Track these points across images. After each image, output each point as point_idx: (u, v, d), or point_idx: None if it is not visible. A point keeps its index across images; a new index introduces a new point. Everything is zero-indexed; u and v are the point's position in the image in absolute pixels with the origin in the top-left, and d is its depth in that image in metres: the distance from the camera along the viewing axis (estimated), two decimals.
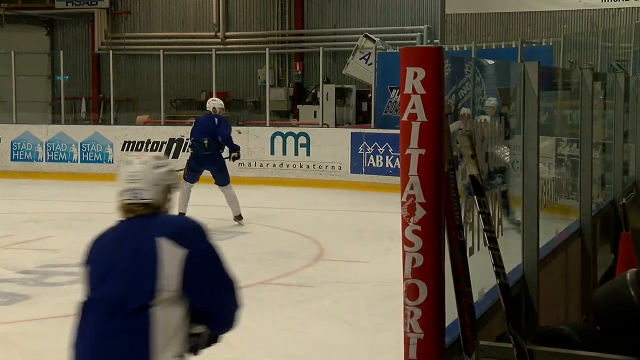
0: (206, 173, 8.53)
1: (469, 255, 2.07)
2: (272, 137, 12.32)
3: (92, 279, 2.39)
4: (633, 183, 5.50)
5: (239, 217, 8.46)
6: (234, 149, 8.44)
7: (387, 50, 13.01)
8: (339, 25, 16.46)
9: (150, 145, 12.69)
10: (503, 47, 12.71)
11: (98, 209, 9.83)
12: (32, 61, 16.48)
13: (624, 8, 13.78)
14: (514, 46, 11.90)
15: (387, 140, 11.42)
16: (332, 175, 11.96)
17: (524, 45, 11.27)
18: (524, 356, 2.08)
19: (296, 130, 12.43)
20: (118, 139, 12.85)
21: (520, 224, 2.85)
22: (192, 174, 8.42)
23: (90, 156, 12.99)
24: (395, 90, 12.01)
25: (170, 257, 2.23)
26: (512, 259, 2.74)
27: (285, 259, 6.83)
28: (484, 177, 2.22)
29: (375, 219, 8.97)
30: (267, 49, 13.18)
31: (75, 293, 6.11)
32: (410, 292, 1.80)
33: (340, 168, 11.91)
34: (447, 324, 1.86)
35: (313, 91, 15.28)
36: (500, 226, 2.56)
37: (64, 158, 13.06)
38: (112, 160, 12.85)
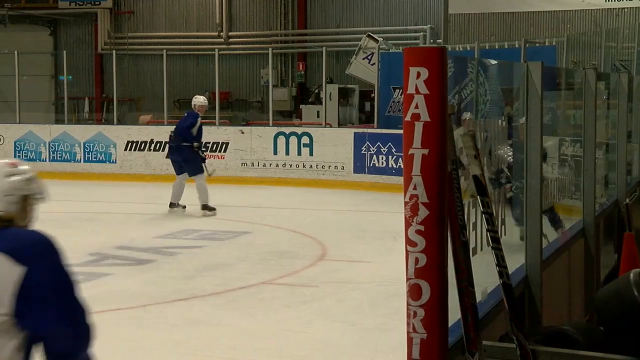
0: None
1: (472, 255, 2.07)
2: (275, 137, 12.33)
3: None
4: (636, 183, 5.49)
5: (203, 207, 8.93)
6: (190, 140, 9.00)
7: (390, 50, 13.00)
8: (342, 25, 16.46)
9: (153, 145, 12.71)
10: (506, 47, 12.70)
11: (101, 208, 9.88)
12: (35, 61, 16.50)
13: (627, 8, 13.76)
14: (517, 46, 11.89)
15: (390, 140, 11.42)
16: (335, 175, 11.96)
17: (527, 45, 11.25)
18: (527, 356, 2.08)
19: (299, 130, 12.44)
20: (121, 138, 12.87)
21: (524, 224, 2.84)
22: (173, 165, 9.37)
23: (93, 156, 13.01)
24: (398, 90, 12.01)
25: (4, 275, 1.88)
26: (515, 259, 2.74)
27: (288, 259, 6.83)
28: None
29: (378, 219, 8.97)
30: (270, 49, 13.18)
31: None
32: (414, 292, 1.80)
33: (343, 168, 11.91)
34: (450, 324, 1.86)
35: (316, 91, 15.29)
36: (503, 226, 2.56)
37: (67, 158, 13.08)
38: (115, 160, 12.87)
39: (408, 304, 1.81)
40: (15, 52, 13.72)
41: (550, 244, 3.17)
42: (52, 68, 18.07)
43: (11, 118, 13.72)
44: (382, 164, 11.55)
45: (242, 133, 12.56)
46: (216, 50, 13.55)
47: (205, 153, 9.51)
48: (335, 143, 11.99)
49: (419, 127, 1.76)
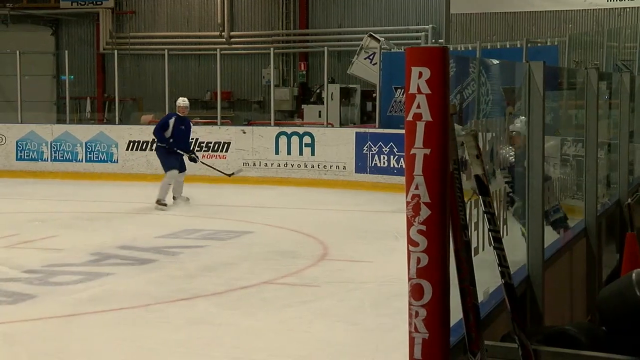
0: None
1: (474, 255, 2.07)
2: (277, 137, 12.34)
3: None
4: (638, 183, 5.49)
5: (158, 202, 9.47)
6: (163, 141, 9.80)
7: (392, 50, 13.01)
8: (344, 25, 16.47)
9: (155, 145, 12.71)
10: (508, 46, 12.71)
11: (103, 208, 9.89)
12: (37, 61, 16.53)
13: (629, 8, 13.75)
14: (519, 46, 11.90)
15: (392, 140, 11.42)
16: (336, 175, 11.97)
17: (529, 45, 11.25)
18: (529, 356, 2.08)
19: (301, 130, 12.45)
20: (123, 138, 12.89)
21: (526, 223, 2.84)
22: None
23: (95, 156, 13.03)
24: (399, 90, 12.01)
25: None
26: (517, 259, 2.74)
27: (290, 259, 6.84)
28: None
29: (379, 219, 8.97)
30: (271, 49, 13.19)
31: (80, 292, 6.15)
32: (415, 292, 1.80)
33: (344, 168, 11.92)
34: (452, 324, 1.86)
35: (318, 91, 15.30)
36: (505, 226, 2.56)
37: (69, 158, 13.10)
38: (117, 159, 12.89)
39: (410, 304, 1.81)
40: (17, 52, 13.75)
41: (552, 244, 3.17)
42: (54, 68, 18.10)
43: (13, 118, 13.75)
44: (384, 164, 11.55)
45: (244, 133, 12.57)
46: (218, 50, 13.56)
47: (197, 153, 10.25)
48: (336, 143, 12.00)
49: (420, 127, 1.76)
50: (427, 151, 1.76)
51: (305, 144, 12.19)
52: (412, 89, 1.77)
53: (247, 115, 16.07)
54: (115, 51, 14.40)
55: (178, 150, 9.76)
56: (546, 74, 2.78)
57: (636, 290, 2.40)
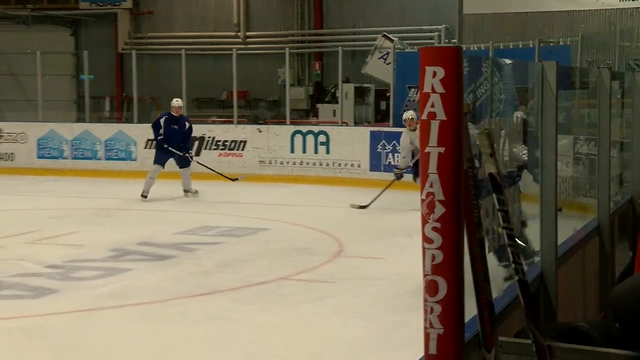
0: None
1: (488, 252, 2.10)
2: (292, 136, 12.39)
3: None
4: None
5: (142, 194, 10.10)
6: (155, 137, 10.48)
7: (406, 50, 13.00)
8: (358, 25, 16.46)
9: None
10: (520, 46, 12.64)
11: (121, 205, 10.01)
12: (57, 61, 16.67)
13: None
14: (531, 46, 11.83)
15: None
16: (351, 173, 12.00)
17: (541, 45, 11.20)
18: (543, 352, 2.09)
19: (316, 129, 12.49)
20: (141, 137, 12.99)
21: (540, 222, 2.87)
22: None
23: (114, 154, 13.16)
24: (413, 89, 12.01)
25: None
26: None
27: (306, 255, 6.89)
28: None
29: (393, 216, 9.00)
30: (287, 49, 13.23)
31: (100, 287, 6.26)
32: (430, 288, 1.81)
33: (359, 166, 11.95)
34: (466, 320, 1.87)
35: (332, 90, 15.32)
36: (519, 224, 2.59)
37: (89, 156, 13.25)
38: (136, 158, 13.01)
39: (425, 300, 1.82)
40: (38, 52, 13.90)
41: (565, 241, 3.20)
42: (73, 68, 18.24)
43: (34, 117, 13.91)
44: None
45: (260, 132, 12.64)
46: (234, 49, 13.62)
47: (190, 152, 10.69)
48: (351, 141, 12.03)
49: (435, 126, 1.79)
50: (442, 149, 1.79)
51: (320, 142, 12.23)
52: (427, 88, 1.80)
53: (262, 114, 16.13)
54: (134, 51, 14.51)
55: (170, 148, 10.22)
56: (559, 73, 2.79)
57: None
